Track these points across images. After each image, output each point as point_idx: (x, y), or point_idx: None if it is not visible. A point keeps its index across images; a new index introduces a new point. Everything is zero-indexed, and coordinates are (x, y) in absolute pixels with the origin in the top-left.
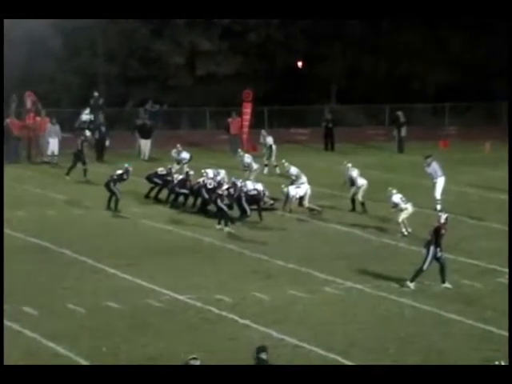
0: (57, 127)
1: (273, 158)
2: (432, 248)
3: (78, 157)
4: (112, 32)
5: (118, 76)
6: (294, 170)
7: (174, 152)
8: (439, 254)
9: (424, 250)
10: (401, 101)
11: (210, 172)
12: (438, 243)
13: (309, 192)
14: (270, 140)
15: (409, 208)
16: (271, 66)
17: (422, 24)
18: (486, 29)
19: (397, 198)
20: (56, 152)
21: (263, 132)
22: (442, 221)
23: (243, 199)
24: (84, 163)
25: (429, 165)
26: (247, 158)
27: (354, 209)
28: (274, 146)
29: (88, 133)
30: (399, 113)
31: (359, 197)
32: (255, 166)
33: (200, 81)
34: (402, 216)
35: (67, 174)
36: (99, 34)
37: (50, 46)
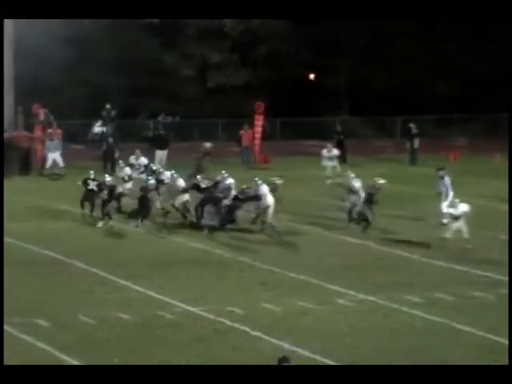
0: (56, 142)
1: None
2: None
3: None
4: (122, 44)
5: (129, 88)
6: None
7: (132, 158)
8: None
9: None
10: (410, 112)
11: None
12: None
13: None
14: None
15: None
16: (281, 77)
17: (430, 36)
18: (494, 39)
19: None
20: (61, 164)
21: (329, 145)
22: None
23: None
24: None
25: (442, 177)
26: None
27: (351, 220)
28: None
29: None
30: (412, 125)
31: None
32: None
33: (210, 93)
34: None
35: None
36: (110, 45)
37: (60, 57)
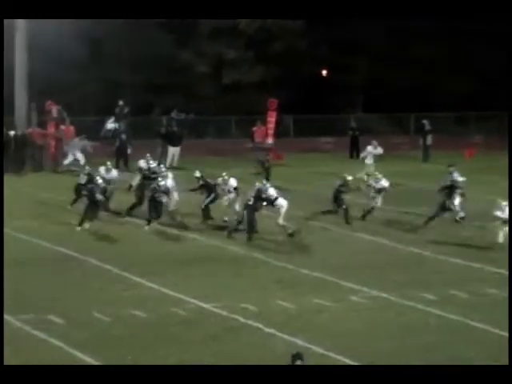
0: (76, 141)
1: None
2: None
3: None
4: (137, 41)
5: (143, 85)
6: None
7: (102, 169)
8: None
9: None
10: (426, 109)
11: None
12: None
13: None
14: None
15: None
16: (296, 74)
17: (445, 34)
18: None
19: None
20: (82, 162)
21: (374, 142)
22: None
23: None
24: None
25: (450, 173)
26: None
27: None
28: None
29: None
30: (425, 121)
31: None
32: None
33: (225, 89)
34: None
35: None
36: (124, 42)
37: (75, 54)
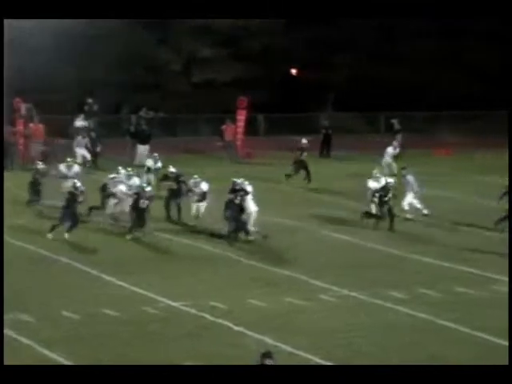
0: (86, 140)
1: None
2: None
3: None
4: (109, 39)
5: (115, 82)
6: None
7: (63, 166)
8: None
9: None
10: (399, 108)
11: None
12: None
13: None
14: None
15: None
16: (269, 73)
17: (415, 32)
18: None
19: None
20: (88, 157)
21: (394, 143)
22: None
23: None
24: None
25: (404, 176)
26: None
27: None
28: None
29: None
30: (394, 120)
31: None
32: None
33: (198, 88)
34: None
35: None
36: (97, 40)
37: (45, 52)
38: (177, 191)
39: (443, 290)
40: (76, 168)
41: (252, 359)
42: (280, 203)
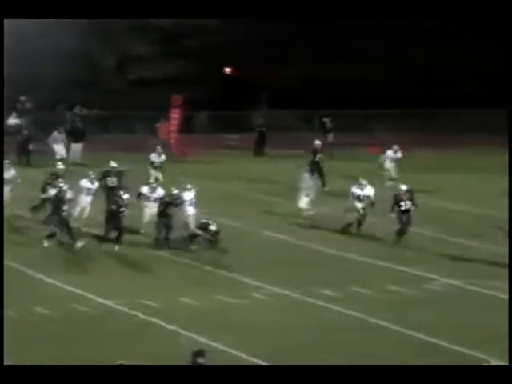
0: (63, 135)
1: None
2: None
3: None
4: (44, 35)
5: (49, 79)
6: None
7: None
8: None
9: None
10: (333, 106)
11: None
12: None
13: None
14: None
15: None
16: (205, 71)
17: (344, 31)
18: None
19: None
20: (64, 155)
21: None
22: None
23: None
24: None
25: (301, 174)
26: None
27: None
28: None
29: None
30: (326, 119)
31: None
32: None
33: (133, 85)
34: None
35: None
36: (30, 36)
37: None
38: (117, 188)
39: (376, 289)
40: (12, 171)
41: (184, 358)
42: (215, 202)
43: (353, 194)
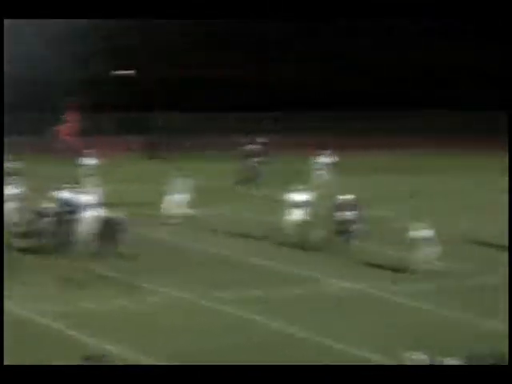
0: None
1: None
2: None
3: None
4: None
5: None
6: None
7: None
8: None
9: None
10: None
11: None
12: None
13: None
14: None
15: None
16: (102, 73)
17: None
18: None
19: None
20: None
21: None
22: None
23: None
24: None
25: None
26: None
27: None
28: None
29: None
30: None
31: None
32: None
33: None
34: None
35: None
36: None
37: None
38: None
39: (273, 291)
40: None
41: (78, 361)
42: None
43: (289, 200)
